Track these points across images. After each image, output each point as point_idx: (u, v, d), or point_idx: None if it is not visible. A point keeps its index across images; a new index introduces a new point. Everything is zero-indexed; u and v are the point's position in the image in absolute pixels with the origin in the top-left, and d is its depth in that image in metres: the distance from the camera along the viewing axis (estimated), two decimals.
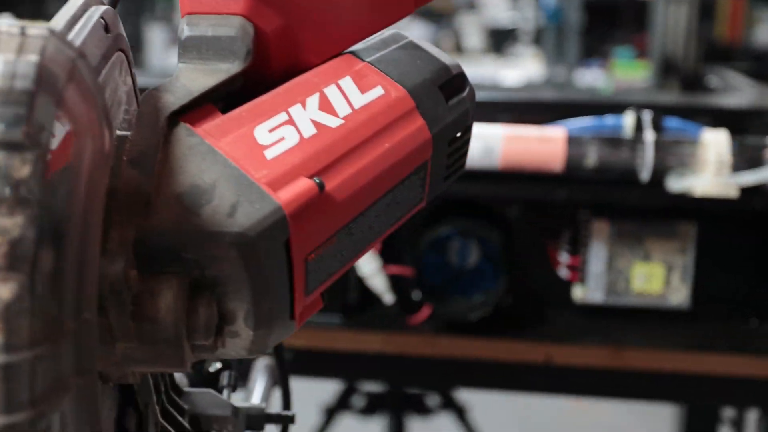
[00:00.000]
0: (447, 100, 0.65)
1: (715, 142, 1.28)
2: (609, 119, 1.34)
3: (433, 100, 0.64)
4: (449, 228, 1.34)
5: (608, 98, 1.36)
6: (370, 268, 1.36)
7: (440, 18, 6.57)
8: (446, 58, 0.66)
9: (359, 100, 0.61)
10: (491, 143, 1.31)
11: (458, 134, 0.66)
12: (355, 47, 0.66)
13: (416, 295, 1.36)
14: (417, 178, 0.64)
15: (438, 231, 1.35)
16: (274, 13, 0.63)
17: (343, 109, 0.60)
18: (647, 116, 1.32)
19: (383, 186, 0.61)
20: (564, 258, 1.41)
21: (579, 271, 1.40)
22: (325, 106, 0.60)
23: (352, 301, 1.43)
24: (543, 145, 1.31)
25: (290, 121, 0.58)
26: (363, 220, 0.61)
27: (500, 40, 6.52)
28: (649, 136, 1.30)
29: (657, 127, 1.32)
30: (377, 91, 0.62)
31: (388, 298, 1.39)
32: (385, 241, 1.39)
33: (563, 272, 1.41)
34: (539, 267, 1.43)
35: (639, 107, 1.34)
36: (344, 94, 0.61)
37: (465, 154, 0.69)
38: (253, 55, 0.61)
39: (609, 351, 1.37)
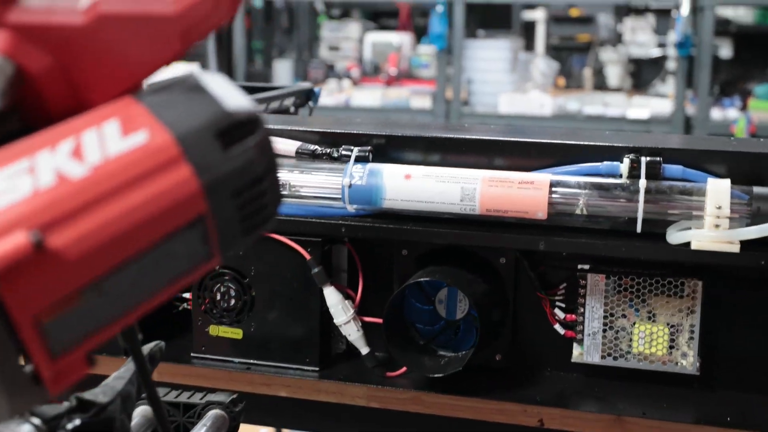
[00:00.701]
0: (225, 148, 0.58)
1: (714, 191, 1.15)
2: (604, 164, 1.23)
3: (206, 147, 0.58)
4: (435, 275, 1.26)
5: (616, 142, 1.25)
6: (341, 317, 1.29)
7: (583, 50, 6.44)
8: (234, 102, 0.59)
9: (117, 146, 0.56)
10: (469, 187, 1.22)
11: (246, 185, 0.59)
12: (143, 88, 0.60)
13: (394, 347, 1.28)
14: (194, 232, 0.58)
15: (420, 277, 1.26)
16: (41, 52, 0.58)
17: (93, 157, 0.55)
18: (644, 161, 1.20)
19: (139, 241, 0.55)
20: (559, 313, 1.30)
21: (575, 329, 1.28)
22: (77, 152, 0.55)
23: (338, 351, 1.36)
24: (524, 189, 1.21)
25: (28, 169, 0.53)
26: (120, 278, 0.55)
27: (643, 73, 6.34)
28: (642, 183, 1.19)
29: (654, 173, 1.20)
30: (140, 137, 0.56)
31: (364, 349, 1.31)
32: (364, 290, 1.33)
33: (559, 329, 1.30)
34: (533, 322, 1.32)
35: (644, 151, 1.22)
36: (102, 140, 0.56)
37: (264, 207, 0.62)
38: (16, 95, 0.57)
39: (608, 419, 1.25)
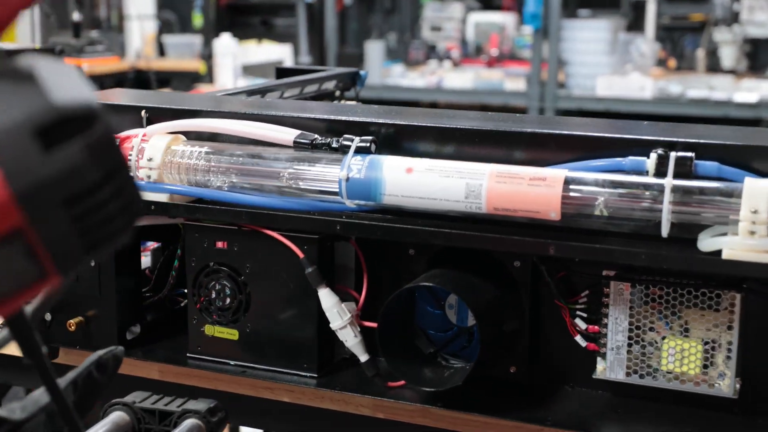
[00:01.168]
0: (47, 149, 0.49)
1: (751, 192, 1.00)
2: (629, 159, 1.09)
3: (21, 148, 0.48)
4: (435, 279, 1.14)
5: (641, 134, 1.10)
6: (337, 322, 1.19)
7: (696, 30, 6.16)
8: (64, 95, 0.50)
9: None
10: (475, 183, 1.10)
11: (79, 194, 0.50)
12: None
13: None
14: (13, 247, 0.49)
15: (419, 282, 1.14)
16: None
17: None
18: (672, 157, 1.05)
19: None
20: (581, 324, 1.16)
21: (599, 342, 1.15)
22: None
23: (344, 356, 1.26)
24: (535, 187, 1.08)
25: None
26: None
27: (760, 55, 6.02)
28: (668, 182, 1.04)
29: (685, 171, 1.05)
30: None
31: (362, 356, 1.20)
32: (371, 292, 1.22)
33: (581, 341, 1.17)
34: (552, 333, 1.19)
35: (679, 146, 1.08)
36: None
37: (110, 219, 0.52)
38: None
39: None
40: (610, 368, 1.15)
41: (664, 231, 1.04)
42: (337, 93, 1.96)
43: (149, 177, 1.23)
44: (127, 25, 7.70)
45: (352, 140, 1.17)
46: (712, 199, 1.03)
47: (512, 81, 5.70)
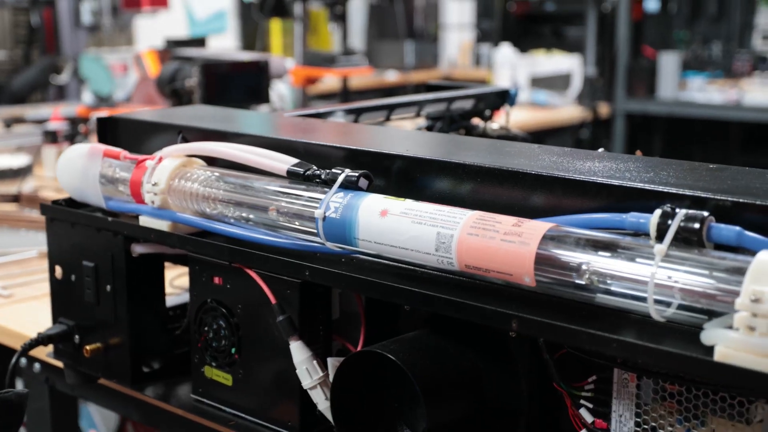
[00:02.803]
0: None
1: (758, 271, 0.73)
2: (631, 216, 0.85)
3: None
4: (393, 346, 0.96)
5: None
6: (306, 380, 1.04)
7: None
8: None
9: None
10: (446, 233, 0.91)
11: None
12: None
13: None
14: None
15: (372, 347, 0.97)
16: None
17: None
18: (679, 216, 0.80)
19: None
20: (586, 416, 0.93)
21: None
22: None
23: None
24: (508, 243, 0.87)
25: None
26: None
27: None
28: (659, 248, 0.79)
29: (692, 235, 0.79)
30: None
31: (321, 404, 1.05)
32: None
33: None
34: (554, 423, 0.97)
35: (709, 203, 0.83)
36: None
37: None
38: None
39: None
40: None
41: (654, 313, 0.80)
42: (487, 113, 1.79)
43: (153, 202, 1.16)
44: (443, 35, 7.83)
45: (339, 173, 1.02)
46: (721, 276, 0.77)
47: None
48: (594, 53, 5.72)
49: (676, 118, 5.71)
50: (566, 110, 5.10)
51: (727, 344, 0.74)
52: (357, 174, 1.01)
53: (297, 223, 1.04)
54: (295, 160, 1.08)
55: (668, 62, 5.67)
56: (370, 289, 0.96)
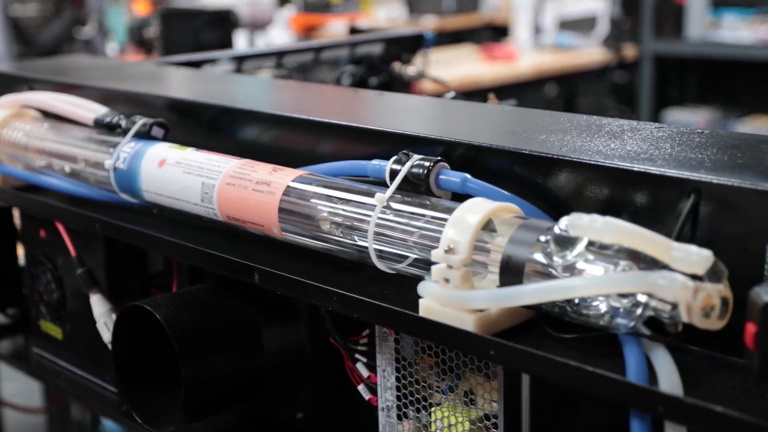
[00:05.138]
0: None
1: (458, 220, 0.68)
2: (373, 163, 0.80)
3: None
4: (160, 300, 0.93)
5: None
6: (106, 335, 1.02)
7: None
8: None
9: None
10: (209, 183, 0.88)
11: None
12: None
13: None
14: None
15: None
16: None
17: None
18: (408, 164, 0.75)
19: None
20: (362, 371, 0.89)
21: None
22: None
23: None
24: (258, 192, 0.83)
25: None
26: None
27: None
28: (379, 197, 0.74)
29: (420, 183, 0.74)
30: None
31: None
32: None
33: (364, 391, 0.90)
34: (336, 378, 0.93)
35: (460, 147, 0.78)
36: None
37: None
38: None
39: None
40: None
41: (378, 263, 0.76)
42: (404, 57, 1.74)
43: None
44: None
45: (135, 122, 0.99)
46: (422, 226, 0.72)
47: None
48: None
49: (706, 60, 5.51)
50: (590, 53, 4.95)
51: (430, 297, 0.70)
52: (150, 122, 0.98)
53: (100, 174, 1.02)
54: (106, 110, 1.05)
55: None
56: (140, 240, 0.94)
